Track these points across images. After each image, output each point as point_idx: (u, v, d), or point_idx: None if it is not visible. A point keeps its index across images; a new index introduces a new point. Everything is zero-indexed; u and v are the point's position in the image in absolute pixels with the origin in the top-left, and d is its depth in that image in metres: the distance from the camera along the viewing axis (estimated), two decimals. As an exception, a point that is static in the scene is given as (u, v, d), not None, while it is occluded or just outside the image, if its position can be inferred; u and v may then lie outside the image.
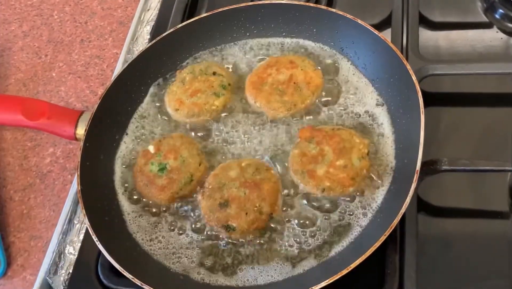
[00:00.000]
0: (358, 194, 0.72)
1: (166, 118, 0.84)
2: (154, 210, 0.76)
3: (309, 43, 0.87)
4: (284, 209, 0.73)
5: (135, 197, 0.78)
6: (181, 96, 0.83)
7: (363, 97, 0.80)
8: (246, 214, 0.71)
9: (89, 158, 0.77)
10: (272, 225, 0.72)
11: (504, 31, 0.90)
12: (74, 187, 0.85)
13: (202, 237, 0.73)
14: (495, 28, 0.90)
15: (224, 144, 0.80)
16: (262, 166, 0.75)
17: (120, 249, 0.71)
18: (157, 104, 0.86)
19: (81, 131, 0.80)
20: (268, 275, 0.69)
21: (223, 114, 0.82)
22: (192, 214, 0.75)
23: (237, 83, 0.85)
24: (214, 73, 0.84)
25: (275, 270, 0.69)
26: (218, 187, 0.73)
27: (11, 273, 0.80)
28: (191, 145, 0.78)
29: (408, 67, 0.74)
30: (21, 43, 1.06)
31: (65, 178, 0.88)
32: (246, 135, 0.80)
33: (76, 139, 0.81)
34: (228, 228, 0.71)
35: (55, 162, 0.90)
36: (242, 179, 0.73)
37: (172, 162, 0.76)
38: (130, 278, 0.66)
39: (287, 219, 0.72)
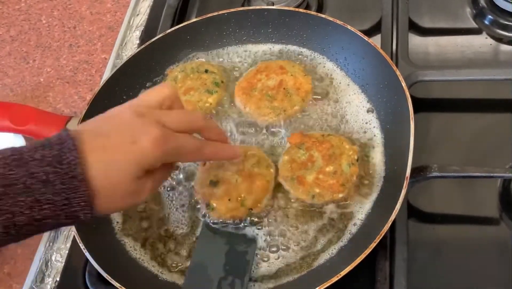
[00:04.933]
0: (348, 200, 0.72)
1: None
2: (143, 215, 0.75)
3: (299, 49, 0.86)
4: (273, 214, 0.73)
5: (123, 204, 0.77)
6: None
7: (352, 103, 0.79)
8: (229, 200, 0.71)
9: (77, 164, 0.76)
10: (261, 233, 0.72)
11: (493, 37, 0.90)
12: (62, 193, 0.84)
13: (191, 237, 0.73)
14: (484, 34, 0.91)
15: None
16: (265, 161, 0.75)
17: (108, 257, 0.70)
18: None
19: (68, 137, 0.79)
20: (257, 281, 0.68)
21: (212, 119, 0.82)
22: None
23: (227, 88, 0.84)
24: (206, 71, 0.84)
25: (263, 277, 0.69)
26: (217, 165, 0.74)
27: (-3, 281, 0.79)
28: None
29: (398, 73, 0.74)
30: (9, 48, 1.06)
31: (52, 185, 0.86)
32: (235, 141, 0.79)
33: (63, 145, 0.80)
34: (208, 205, 0.72)
35: (42, 168, 0.89)
36: (241, 166, 0.73)
37: None
38: (118, 287, 0.65)
39: (276, 224, 0.72)
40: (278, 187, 0.74)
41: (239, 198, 0.71)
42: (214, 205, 0.72)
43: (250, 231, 0.72)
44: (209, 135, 0.65)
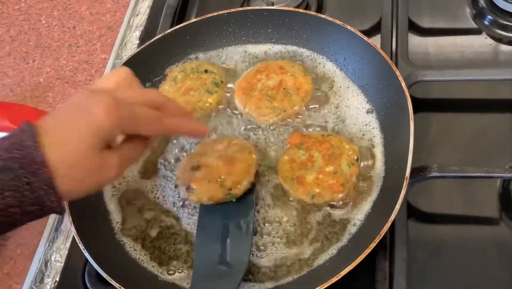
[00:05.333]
0: (347, 200, 0.72)
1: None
2: (143, 216, 0.75)
3: (298, 49, 0.86)
4: (273, 214, 0.73)
5: (122, 204, 0.77)
6: (174, 94, 0.83)
7: (352, 103, 0.79)
8: (208, 181, 0.72)
9: (76, 164, 0.76)
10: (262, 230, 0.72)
11: (493, 37, 0.90)
12: (61, 193, 0.84)
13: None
14: (484, 34, 0.91)
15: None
16: (247, 148, 0.75)
17: (108, 257, 0.70)
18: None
19: (68, 137, 0.79)
20: (257, 281, 0.68)
21: (212, 118, 0.81)
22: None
23: (226, 88, 0.84)
24: (205, 71, 0.84)
25: (262, 276, 0.69)
26: (200, 153, 0.76)
27: (-4, 281, 0.79)
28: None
29: (398, 73, 0.74)
30: (9, 48, 1.05)
31: (52, 185, 0.86)
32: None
33: (63, 145, 0.80)
34: (188, 188, 0.73)
35: (42, 169, 0.88)
36: (223, 152, 0.75)
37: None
38: (117, 287, 0.65)
39: (276, 225, 0.72)
40: (278, 186, 0.74)
41: (219, 179, 0.72)
42: (194, 187, 0.72)
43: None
44: (169, 112, 0.62)
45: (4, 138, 0.53)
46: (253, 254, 0.70)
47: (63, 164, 0.53)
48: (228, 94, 0.83)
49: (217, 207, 0.72)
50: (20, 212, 0.52)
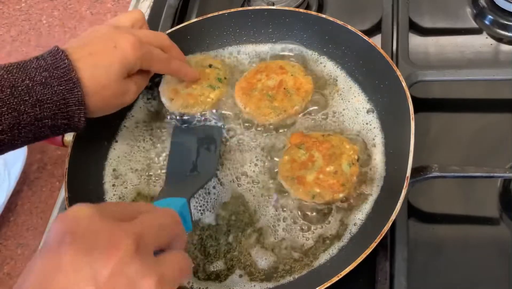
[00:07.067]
0: (348, 200, 0.72)
1: (156, 122, 0.83)
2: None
3: (299, 49, 0.86)
4: (273, 215, 0.73)
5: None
6: (176, 86, 0.83)
7: (353, 103, 0.79)
8: None
9: (77, 164, 0.76)
10: (261, 227, 0.72)
11: (493, 37, 0.90)
12: (62, 194, 0.84)
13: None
14: (484, 34, 0.91)
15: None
16: None
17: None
18: (148, 108, 0.85)
19: (69, 137, 0.79)
20: (257, 281, 0.69)
21: (211, 116, 0.82)
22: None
23: (228, 86, 0.84)
24: (210, 66, 0.84)
25: (263, 276, 0.69)
26: None
27: (-3, 281, 0.79)
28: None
29: (398, 73, 0.74)
30: (9, 48, 1.06)
31: (52, 185, 0.87)
32: (233, 140, 0.79)
33: (64, 145, 0.80)
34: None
35: (42, 169, 0.89)
36: None
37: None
38: (118, 287, 0.65)
39: (275, 224, 0.72)
40: (279, 187, 0.74)
41: None
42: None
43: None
44: (172, 53, 0.75)
45: (38, 59, 0.63)
46: (253, 254, 0.70)
47: (94, 87, 0.64)
48: (228, 94, 0.83)
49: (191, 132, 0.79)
50: (50, 124, 0.63)
